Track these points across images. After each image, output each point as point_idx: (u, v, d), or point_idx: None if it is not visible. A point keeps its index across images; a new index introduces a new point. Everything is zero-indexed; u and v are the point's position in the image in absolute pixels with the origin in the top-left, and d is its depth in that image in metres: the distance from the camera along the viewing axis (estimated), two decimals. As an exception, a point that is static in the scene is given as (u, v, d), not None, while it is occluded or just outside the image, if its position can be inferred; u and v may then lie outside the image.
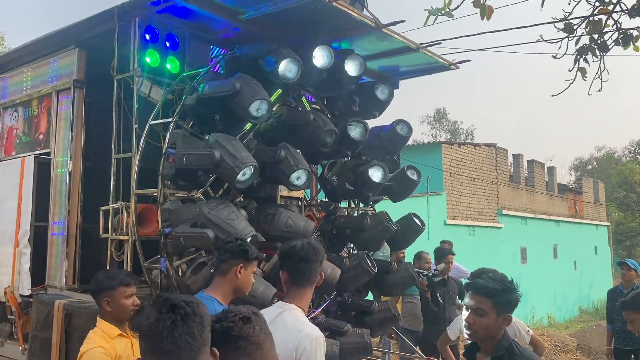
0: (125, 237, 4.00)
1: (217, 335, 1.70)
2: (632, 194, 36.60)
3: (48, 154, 4.89)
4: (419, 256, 6.78)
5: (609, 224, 29.13)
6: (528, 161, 21.96)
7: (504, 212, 18.86)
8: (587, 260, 24.20)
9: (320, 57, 4.32)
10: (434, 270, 6.31)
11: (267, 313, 2.57)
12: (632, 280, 6.43)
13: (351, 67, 4.58)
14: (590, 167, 51.87)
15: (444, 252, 6.45)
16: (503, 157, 19.69)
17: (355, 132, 4.81)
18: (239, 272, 2.94)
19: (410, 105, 58.86)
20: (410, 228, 5.21)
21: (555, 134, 76.90)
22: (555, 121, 78.34)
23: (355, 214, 5.60)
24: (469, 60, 5.23)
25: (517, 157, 21.26)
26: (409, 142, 6.15)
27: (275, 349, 1.85)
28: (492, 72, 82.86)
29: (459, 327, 4.88)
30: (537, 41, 4.96)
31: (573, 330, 16.26)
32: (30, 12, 64.10)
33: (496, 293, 2.59)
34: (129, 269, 3.97)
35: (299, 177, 4.31)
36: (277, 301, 2.82)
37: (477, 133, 47.71)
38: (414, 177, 5.30)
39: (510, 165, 21.31)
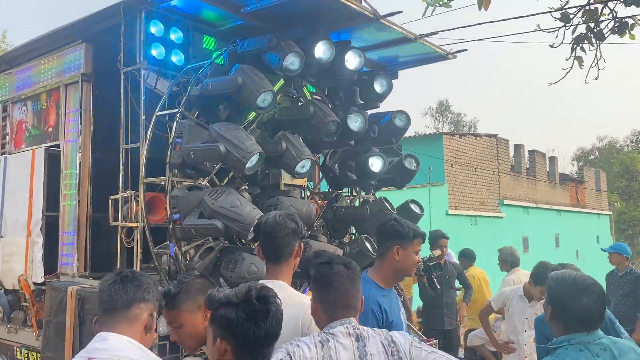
0: (135, 224, 4.14)
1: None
2: (634, 183, 36.66)
3: (57, 146, 5.03)
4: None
5: (610, 213, 29.16)
6: (529, 151, 22.02)
7: (506, 201, 18.96)
8: (589, 249, 24.23)
9: (321, 52, 4.42)
10: (430, 255, 6.31)
11: None
12: (622, 263, 6.51)
13: (351, 60, 4.66)
14: (592, 157, 51.78)
15: (436, 236, 6.38)
16: (504, 148, 19.77)
17: (355, 123, 4.94)
18: (397, 253, 2.82)
19: (412, 97, 58.81)
20: (408, 216, 5.27)
21: (557, 125, 76.77)
22: (557, 112, 78.19)
23: (357, 202, 5.73)
24: (465, 50, 5.34)
25: (518, 147, 21.32)
26: (411, 133, 6.29)
27: None
28: (492, 63, 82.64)
29: (504, 298, 4.83)
30: (535, 31, 5.06)
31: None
32: (32, 10, 64.15)
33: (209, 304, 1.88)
34: (139, 256, 4.12)
35: (303, 165, 4.46)
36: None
37: (480, 125, 47.59)
38: (412, 166, 5.38)
39: (513, 157, 21.38)
